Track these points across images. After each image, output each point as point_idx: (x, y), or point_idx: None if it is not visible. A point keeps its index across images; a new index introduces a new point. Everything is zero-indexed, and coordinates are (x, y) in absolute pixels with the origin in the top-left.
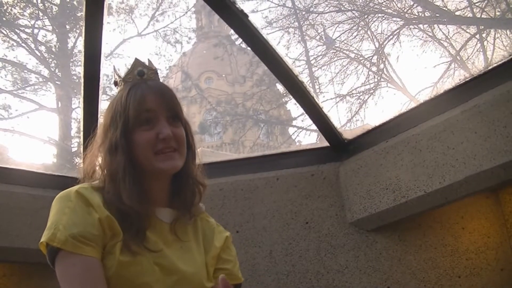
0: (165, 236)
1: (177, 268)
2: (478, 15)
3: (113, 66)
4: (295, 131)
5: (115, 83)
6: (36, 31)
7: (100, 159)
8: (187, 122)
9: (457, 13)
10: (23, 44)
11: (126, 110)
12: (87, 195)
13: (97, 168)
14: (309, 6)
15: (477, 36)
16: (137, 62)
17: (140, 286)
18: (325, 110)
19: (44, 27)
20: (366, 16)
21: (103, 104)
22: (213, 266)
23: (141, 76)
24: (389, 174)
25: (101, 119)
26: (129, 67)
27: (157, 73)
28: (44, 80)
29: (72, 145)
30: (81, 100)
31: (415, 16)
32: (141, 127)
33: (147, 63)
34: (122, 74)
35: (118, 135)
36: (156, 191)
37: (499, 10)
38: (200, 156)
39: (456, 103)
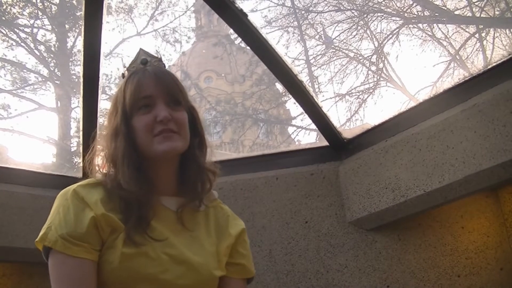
0: (173, 225)
1: (186, 257)
2: (478, 14)
3: (121, 58)
4: (295, 130)
5: (123, 75)
6: (35, 30)
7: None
8: (193, 107)
9: (456, 12)
10: (22, 44)
11: (124, 97)
12: (83, 193)
13: (102, 157)
14: (308, 5)
15: (477, 35)
16: (141, 51)
17: (145, 277)
18: (324, 109)
19: (44, 27)
20: (365, 16)
21: (103, 104)
22: (226, 255)
23: (144, 64)
24: (389, 173)
25: (100, 119)
26: (134, 57)
27: (161, 61)
28: (44, 79)
29: (71, 145)
30: (81, 99)
31: (415, 16)
32: (140, 112)
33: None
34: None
35: (119, 121)
36: (162, 179)
37: (499, 9)
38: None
39: (455, 102)
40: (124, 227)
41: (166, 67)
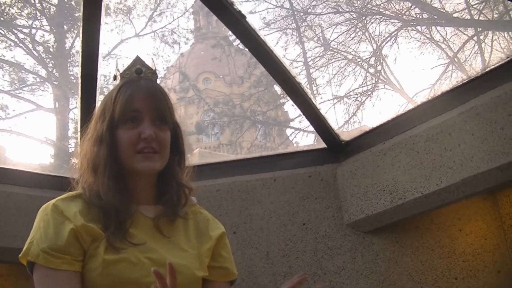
0: (152, 232)
1: (167, 260)
2: (476, 17)
3: (116, 60)
4: (293, 132)
5: (114, 77)
6: (33, 31)
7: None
8: (178, 125)
9: (455, 15)
10: (20, 44)
11: (114, 106)
12: (63, 207)
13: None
14: (307, 7)
15: (475, 38)
16: (137, 59)
17: (129, 282)
18: (322, 111)
19: (42, 27)
20: (364, 18)
21: None
22: (208, 257)
23: (138, 74)
24: (386, 175)
25: None
26: (129, 63)
27: (155, 73)
28: (42, 80)
29: (69, 146)
30: (79, 100)
31: (413, 18)
32: (126, 125)
33: (149, 62)
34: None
35: (104, 129)
36: (140, 190)
37: (497, 12)
38: (197, 157)
39: (453, 105)
40: (105, 234)
41: (165, 68)
